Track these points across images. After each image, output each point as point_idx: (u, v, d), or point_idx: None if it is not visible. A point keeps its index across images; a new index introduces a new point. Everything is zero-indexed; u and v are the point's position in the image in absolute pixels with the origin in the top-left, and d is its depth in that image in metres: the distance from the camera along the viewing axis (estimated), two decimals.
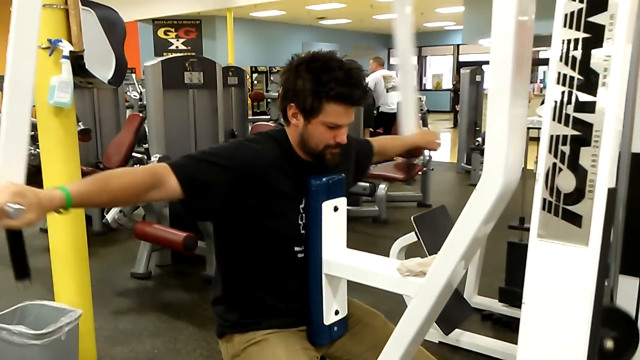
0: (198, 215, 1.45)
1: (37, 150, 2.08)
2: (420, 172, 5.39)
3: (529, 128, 2.17)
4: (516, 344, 0.98)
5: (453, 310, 2.63)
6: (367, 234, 4.67)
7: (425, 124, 7.70)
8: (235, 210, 1.36)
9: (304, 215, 1.43)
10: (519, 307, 0.96)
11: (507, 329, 2.90)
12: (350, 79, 1.36)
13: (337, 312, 1.47)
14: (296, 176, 1.42)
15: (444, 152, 9.45)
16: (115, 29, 2.24)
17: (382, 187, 4.90)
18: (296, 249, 1.45)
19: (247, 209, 1.36)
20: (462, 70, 7.23)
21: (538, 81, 13.55)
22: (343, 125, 1.41)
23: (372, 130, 6.36)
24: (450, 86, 19.00)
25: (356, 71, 1.38)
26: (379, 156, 1.87)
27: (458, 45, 19.54)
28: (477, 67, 7.24)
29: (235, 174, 1.33)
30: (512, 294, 2.89)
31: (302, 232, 1.43)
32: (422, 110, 7.55)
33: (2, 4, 3.69)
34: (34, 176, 4.01)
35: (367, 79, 7.50)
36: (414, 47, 1.87)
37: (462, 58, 19.66)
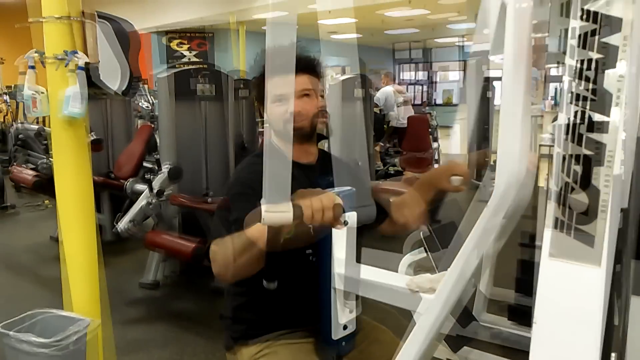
0: None
1: (50, 160, 2.11)
2: None
3: (540, 145, 2.16)
4: None
5: (462, 328, 2.61)
6: (375, 249, 4.64)
7: (435, 139, 7.70)
8: None
9: None
10: (529, 325, 0.95)
11: (516, 347, 2.86)
12: None
13: (345, 327, 1.47)
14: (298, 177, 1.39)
15: None
16: (129, 42, 2.27)
17: None
18: (307, 251, 1.47)
19: None
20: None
21: (549, 98, 13.49)
22: (287, 94, 1.42)
23: (382, 144, 6.35)
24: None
25: None
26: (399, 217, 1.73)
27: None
28: (487, 83, 7.22)
29: None
30: (522, 312, 2.86)
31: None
32: (431, 125, 7.55)
33: (12, 15, 3.74)
34: (47, 186, 4.05)
35: (378, 93, 7.43)
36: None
37: None
